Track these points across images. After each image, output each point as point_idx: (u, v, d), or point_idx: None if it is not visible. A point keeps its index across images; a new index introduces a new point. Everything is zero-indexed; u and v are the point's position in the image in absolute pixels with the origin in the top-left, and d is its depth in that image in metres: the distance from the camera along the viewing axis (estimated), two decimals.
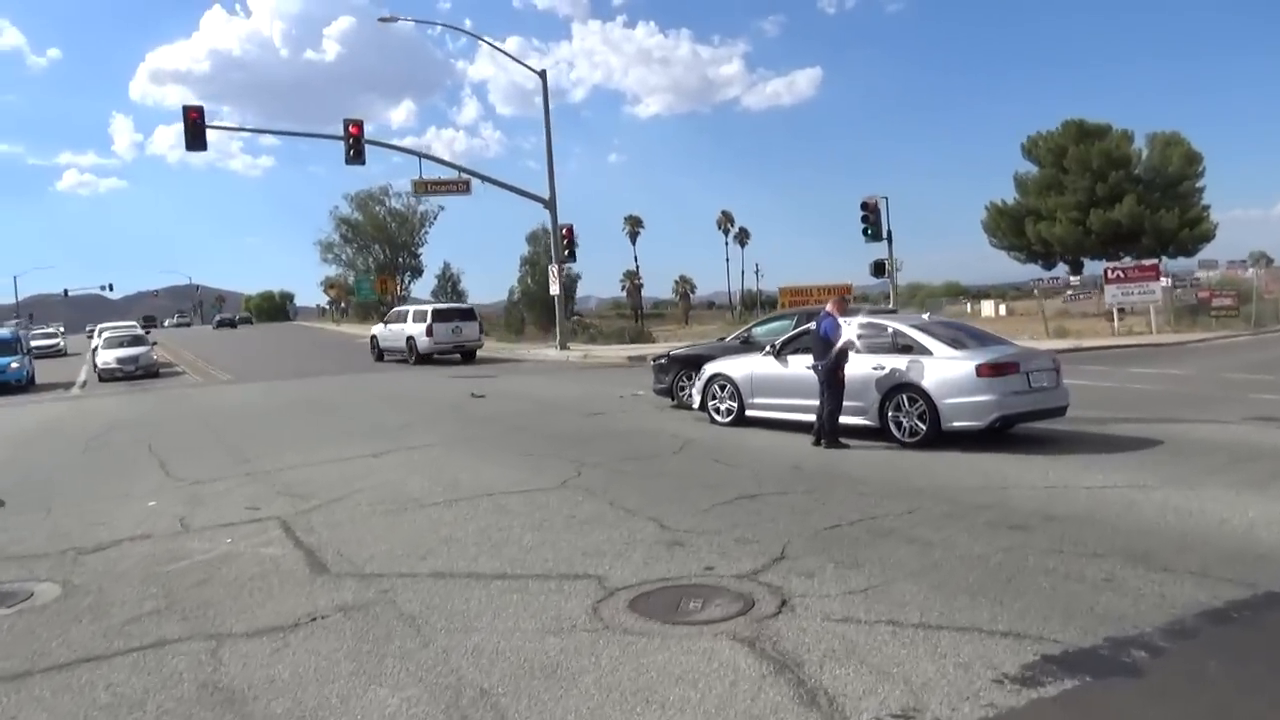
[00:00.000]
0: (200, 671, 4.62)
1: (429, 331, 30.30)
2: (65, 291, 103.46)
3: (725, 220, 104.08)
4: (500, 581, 5.93)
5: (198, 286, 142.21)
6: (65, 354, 46.22)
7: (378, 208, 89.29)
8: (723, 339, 16.76)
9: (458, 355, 31.42)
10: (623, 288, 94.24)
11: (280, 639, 5.04)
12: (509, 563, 6.36)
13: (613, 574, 5.96)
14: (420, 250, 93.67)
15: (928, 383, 10.35)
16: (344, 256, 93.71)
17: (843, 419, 10.89)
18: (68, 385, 29.48)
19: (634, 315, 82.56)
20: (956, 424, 10.17)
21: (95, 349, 32.95)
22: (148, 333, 41.11)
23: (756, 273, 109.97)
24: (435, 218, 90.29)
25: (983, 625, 4.76)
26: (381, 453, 11.60)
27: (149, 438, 14.33)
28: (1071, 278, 60.90)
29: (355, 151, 28.42)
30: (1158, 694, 4.00)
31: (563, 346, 33.29)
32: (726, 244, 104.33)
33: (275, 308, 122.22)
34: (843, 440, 10.69)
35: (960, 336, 11.27)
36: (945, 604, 5.10)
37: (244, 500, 9.03)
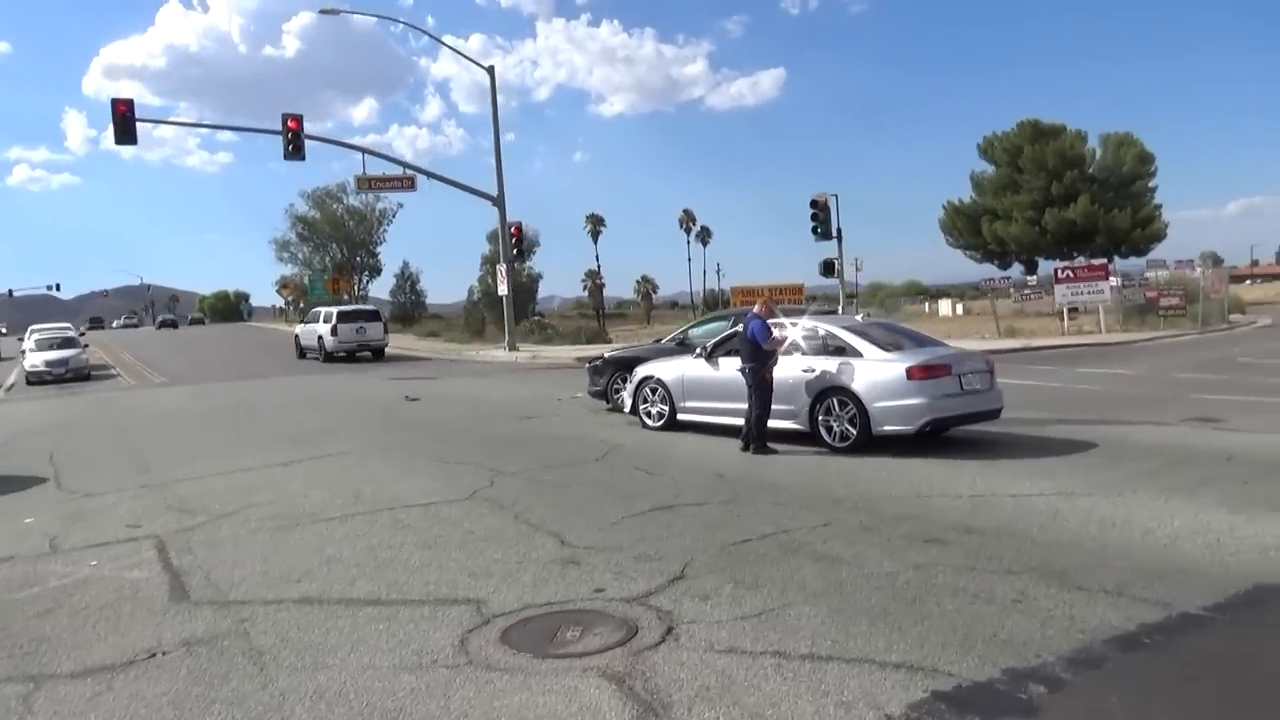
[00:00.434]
0: None
1: (334, 331, 32.10)
2: (10, 291, 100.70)
3: (687, 219, 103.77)
4: (371, 609, 5.44)
5: (149, 286, 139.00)
6: (1, 358, 44.71)
7: (335, 205, 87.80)
8: (658, 340, 16.33)
9: (368, 353, 32.93)
10: (584, 287, 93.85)
11: (105, 681, 4.52)
12: (387, 586, 5.87)
13: (495, 598, 5.50)
14: (379, 249, 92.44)
15: (858, 385, 10.00)
16: (300, 255, 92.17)
17: (773, 423, 10.52)
18: None
19: (595, 315, 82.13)
20: (887, 428, 9.82)
21: (22, 352, 31.80)
22: (82, 334, 39.85)
23: (718, 272, 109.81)
24: (394, 216, 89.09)
25: (876, 655, 4.36)
26: (291, 461, 11.02)
27: (55, 446, 13.60)
28: (1029, 278, 61.53)
29: (294, 146, 27.56)
30: None
31: (512, 347, 32.70)
32: (689, 243, 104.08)
33: (230, 308, 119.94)
34: (771, 446, 10.31)
35: (894, 338, 10.94)
36: (841, 630, 4.70)
37: (129, 515, 8.45)
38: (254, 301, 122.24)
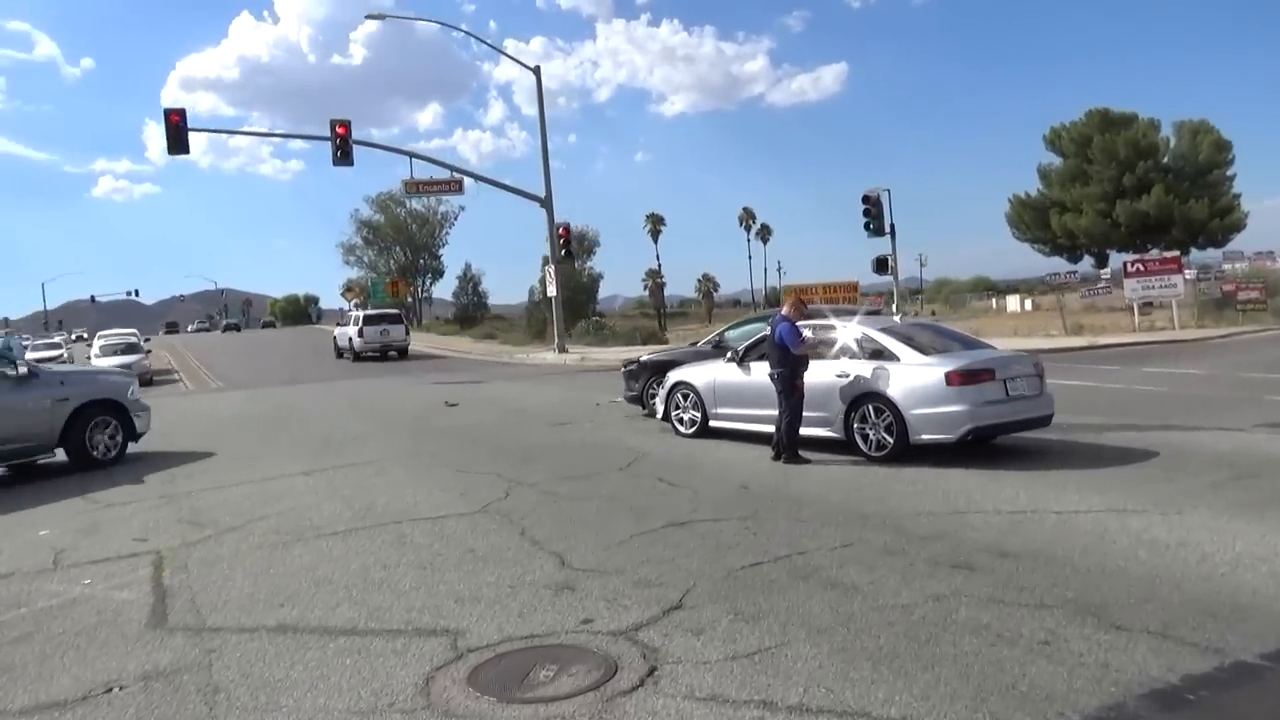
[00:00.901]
0: None
1: (360, 334, 35.52)
2: (93, 297, 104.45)
3: (747, 217, 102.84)
4: (344, 639, 5.12)
5: (224, 291, 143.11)
6: (70, 363, 46.06)
7: (399, 209, 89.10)
8: (694, 344, 15.85)
9: (394, 353, 36.47)
10: (645, 287, 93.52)
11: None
12: (369, 613, 5.55)
13: (476, 629, 5.14)
14: (441, 251, 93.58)
15: (894, 391, 9.41)
16: (366, 259, 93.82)
17: (807, 431, 10.00)
18: None
19: (656, 314, 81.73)
20: (925, 436, 9.22)
21: (88, 358, 32.70)
22: (146, 340, 40.92)
23: (779, 270, 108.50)
24: (456, 219, 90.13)
25: (873, 709, 3.88)
26: (314, 470, 10.85)
27: None
28: (1101, 271, 59.34)
29: (343, 152, 27.78)
30: None
31: (561, 349, 32.50)
32: (749, 241, 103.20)
33: (300, 311, 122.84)
34: (804, 455, 9.79)
35: (935, 341, 10.31)
36: (840, 675, 4.22)
37: (140, 529, 8.32)
38: (323, 305, 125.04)
